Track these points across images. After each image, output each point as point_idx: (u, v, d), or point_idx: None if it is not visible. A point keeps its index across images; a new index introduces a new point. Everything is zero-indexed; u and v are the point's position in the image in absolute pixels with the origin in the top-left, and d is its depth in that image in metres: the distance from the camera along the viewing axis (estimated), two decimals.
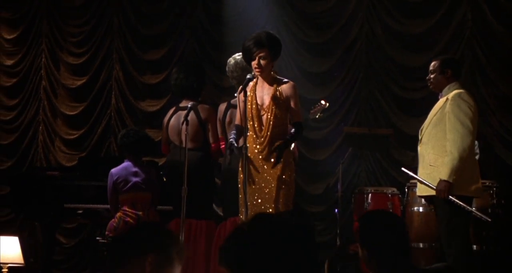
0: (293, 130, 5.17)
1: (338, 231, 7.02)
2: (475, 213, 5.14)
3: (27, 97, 9.53)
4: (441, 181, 5.07)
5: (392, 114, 7.86)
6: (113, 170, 6.36)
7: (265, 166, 5.06)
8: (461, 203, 5.01)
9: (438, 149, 5.20)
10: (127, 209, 6.29)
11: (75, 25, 9.37)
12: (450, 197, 5.01)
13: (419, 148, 5.44)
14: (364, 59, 8.08)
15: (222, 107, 5.95)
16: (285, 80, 5.19)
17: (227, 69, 5.92)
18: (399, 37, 7.95)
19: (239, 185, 5.07)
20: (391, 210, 6.62)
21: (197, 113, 5.97)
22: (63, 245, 8.78)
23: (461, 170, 5.09)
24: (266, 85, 5.14)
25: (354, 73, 8.12)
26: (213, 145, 6.03)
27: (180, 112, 6.04)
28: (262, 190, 5.03)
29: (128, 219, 6.26)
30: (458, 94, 5.20)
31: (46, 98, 9.44)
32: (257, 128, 5.07)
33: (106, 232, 6.40)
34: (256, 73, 5.08)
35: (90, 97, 9.18)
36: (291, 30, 8.35)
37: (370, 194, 6.73)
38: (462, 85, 5.39)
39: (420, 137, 5.44)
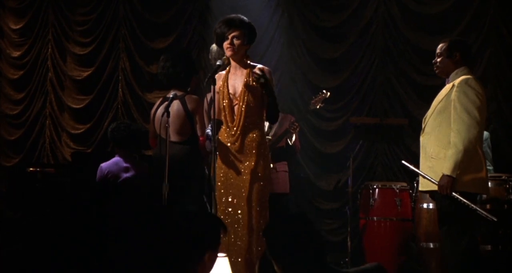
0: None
1: (349, 230, 6.87)
2: (479, 211, 4.86)
3: (33, 90, 9.61)
4: (443, 176, 4.85)
5: (410, 102, 7.65)
6: (103, 165, 6.34)
7: (238, 160, 4.96)
8: (465, 200, 4.80)
9: (441, 140, 4.97)
10: None
11: (81, 13, 9.39)
12: (454, 193, 4.81)
13: (421, 139, 5.22)
14: (380, 42, 7.90)
15: (208, 97, 5.86)
16: (260, 66, 5.06)
17: (209, 56, 5.83)
18: (417, 18, 7.73)
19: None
20: (399, 207, 6.45)
21: (184, 104, 5.87)
22: None
23: (465, 164, 4.88)
24: (238, 73, 5.03)
25: (369, 58, 7.94)
26: (201, 138, 5.92)
27: (167, 103, 5.97)
28: (234, 185, 4.93)
29: None
30: (465, 80, 4.96)
31: (52, 91, 9.51)
32: (228, 119, 4.98)
33: None
34: (228, 54, 4.97)
35: (97, 89, 9.20)
36: (302, 13, 8.21)
37: (376, 190, 6.55)
38: (472, 71, 5.13)
39: (423, 126, 5.24)
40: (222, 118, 5.03)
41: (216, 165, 5.04)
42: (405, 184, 6.61)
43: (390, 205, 6.44)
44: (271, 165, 7.01)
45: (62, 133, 9.42)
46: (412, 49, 7.72)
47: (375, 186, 6.57)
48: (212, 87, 4.87)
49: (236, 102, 4.97)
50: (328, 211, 7.95)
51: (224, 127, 5.04)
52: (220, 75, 5.09)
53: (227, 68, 5.09)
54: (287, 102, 8.11)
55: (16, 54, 9.80)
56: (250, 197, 4.88)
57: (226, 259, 3.89)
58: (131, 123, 6.67)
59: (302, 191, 8.03)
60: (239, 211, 4.91)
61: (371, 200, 6.50)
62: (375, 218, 6.54)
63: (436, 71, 5.19)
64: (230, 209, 4.94)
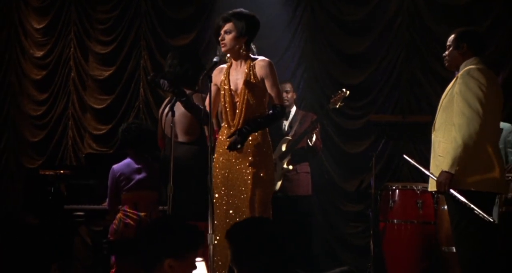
0: (270, 111, 4.95)
1: (371, 234, 6.72)
2: (477, 211, 4.68)
3: (56, 90, 9.66)
4: (442, 172, 4.70)
5: (437, 99, 7.42)
6: (115, 166, 6.32)
7: (238, 160, 4.88)
8: (462, 198, 4.63)
9: (448, 137, 4.81)
10: (127, 210, 6.21)
11: (103, 11, 9.41)
12: (451, 191, 4.64)
13: (432, 136, 5.09)
14: (405, 36, 7.71)
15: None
16: (260, 58, 4.97)
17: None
18: (444, 11, 7.52)
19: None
20: (420, 210, 6.26)
21: (193, 103, 5.82)
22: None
23: (467, 160, 4.65)
24: (240, 68, 4.96)
25: (394, 53, 7.76)
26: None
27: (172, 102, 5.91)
28: (235, 186, 4.86)
29: (128, 220, 6.18)
30: (468, 71, 4.77)
31: (75, 91, 9.54)
32: (229, 117, 4.91)
33: (108, 236, 6.37)
34: (222, 50, 4.93)
35: (118, 89, 9.20)
36: (324, 6, 8.08)
37: (397, 191, 6.38)
38: (482, 61, 4.93)
39: (433, 123, 5.09)
40: (223, 115, 4.97)
41: (217, 165, 4.99)
42: (427, 185, 6.42)
43: (411, 207, 6.27)
44: (291, 167, 6.94)
45: (84, 134, 9.44)
46: (439, 43, 7.49)
47: (394, 187, 6.40)
48: (209, 84, 4.82)
49: (237, 98, 4.90)
50: (353, 214, 7.79)
51: (225, 125, 4.98)
52: (221, 69, 5.03)
53: (229, 62, 5.02)
54: (309, 100, 8.00)
55: (39, 54, 9.86)
56: (253, 198, 4.79)
57: (203, 263, 3.82)
58: (142, 123, 6.64)
59: (326, 192, 7.90)
60: (240, 213, 4.83)
61: (391, 202, 6.34)
62: (395, 221, 6.37)
63: (446, 65, 5.05)
64: (231, 211, 4.87)
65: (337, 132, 7.91)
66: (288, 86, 7.29)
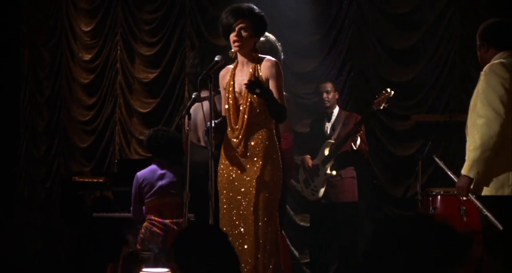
0: None
1: None
2: (489, 218, 4.45)
3: (104, 94, 9.71)
4: (461, 176, 4.52)
5: None
6: (139, 173, 6.36)
7: (243, 165, 4.75)
8: (479, 204, 4.39)
9: (473, 139, 4.59)
10: (153, 218, 6.24)
11: (148, 11, 9.41)
12: (470, 195, 4.41)
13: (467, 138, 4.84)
14: (458, 28, 7.41)
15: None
16: (267, 58, 4.83)
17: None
18: (499, 0, 7.16)
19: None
20: (464, 217, 5.93)
21: (213, 105, 5.72)
22: None
23: (490, 162, 4.43)
24: (246, 69, 4.85)
25: (446, 46, 7.46)
26: None
27: (198, 104, 5.82)
28: (239, 192, 4.73)
29: (155, 229, 6.20)
30: (489, 67, 4.53)
31: (121, 95, 9.57)
32: (233, 120, 4.79)
33: (137, 245, 6.35)
34: (235, 48, 4.80)
35: (163, 92, 9.17)
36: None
37: (438, 197, 6.07)
38: (511, 54, 4.64)
39: (466, 126, 4.84)
40: (227, 118, 4.88)
41: (222, 169, 4.89)
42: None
43: (453, 215, 5.93)
44: (334, 172, 6.73)
45: (131, 139, 9.45)
46: None
47: (435, 193, 6.10)
48: (209, 85, 4.72)
49: (242, 101, 4.78)
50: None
51: (229, 129, 4.87)
52: (227, 70, 4.93)
53: (235, 63, 4.91)
54: (356, 99, 7.76)
55: (87, 57, 9.92)
56: (256, 204, 4.65)
57: None
58: (169, 130, 6.59)
59: (374, 199, 7.64)
60: (244, 219, 4.70)
61: (431, 208, 6.04)
62: None
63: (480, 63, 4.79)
64: (234, 218, 4.75)
65: (386, 134, 7.64)
66: (329, 86, 7.06)
